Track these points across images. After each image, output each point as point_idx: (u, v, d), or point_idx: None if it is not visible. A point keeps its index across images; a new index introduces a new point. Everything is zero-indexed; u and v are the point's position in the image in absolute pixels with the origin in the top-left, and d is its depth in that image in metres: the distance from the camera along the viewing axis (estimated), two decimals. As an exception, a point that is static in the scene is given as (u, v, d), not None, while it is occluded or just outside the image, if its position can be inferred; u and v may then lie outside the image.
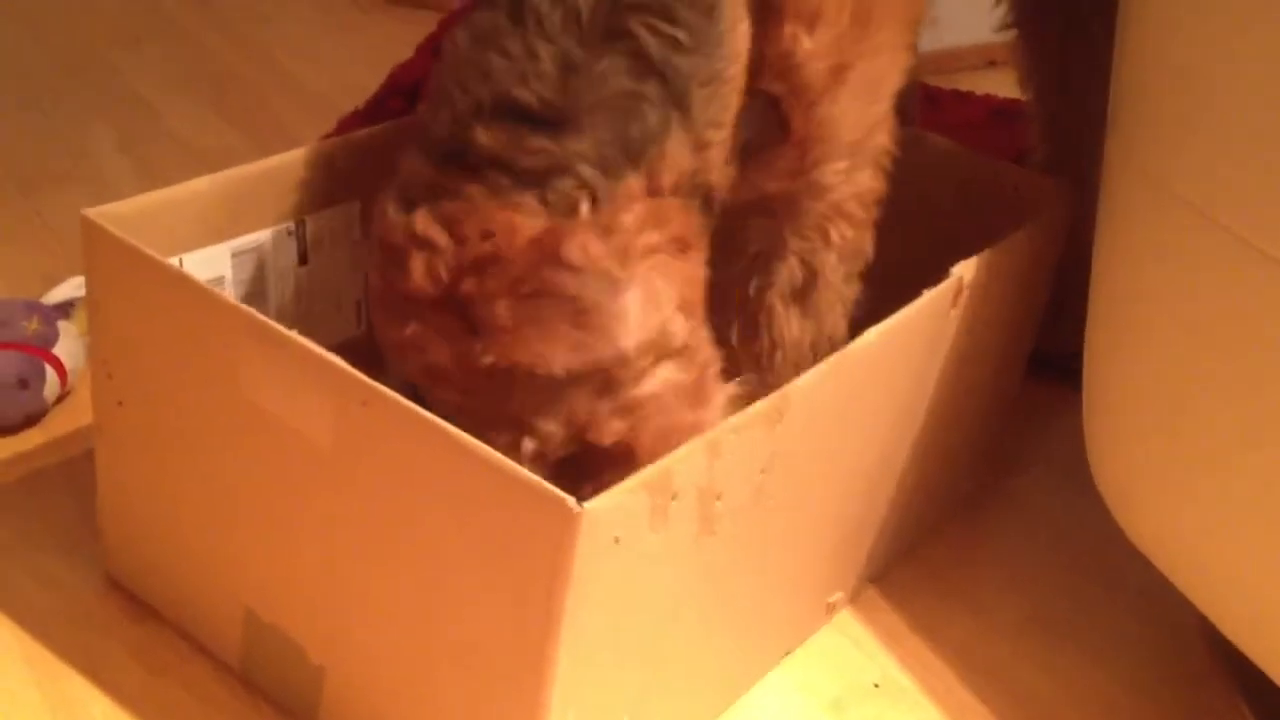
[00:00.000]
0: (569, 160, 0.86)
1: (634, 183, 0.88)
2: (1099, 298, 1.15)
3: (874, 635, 1.28)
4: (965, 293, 1.18)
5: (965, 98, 2.21)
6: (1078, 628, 1.32)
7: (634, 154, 0.88)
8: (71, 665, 1.13)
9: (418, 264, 0.88)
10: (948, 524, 1.42)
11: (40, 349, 1.39)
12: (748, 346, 1.14)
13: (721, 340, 1.06)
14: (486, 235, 0.86)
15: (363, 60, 2.26)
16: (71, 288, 1.50)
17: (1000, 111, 2.08)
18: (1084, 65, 1.48)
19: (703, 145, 0.92)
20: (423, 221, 0.88)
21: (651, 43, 0.86)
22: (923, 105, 2.18)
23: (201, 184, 1.16)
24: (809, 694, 1.20)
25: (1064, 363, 1.27)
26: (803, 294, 1.13)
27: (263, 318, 0.97)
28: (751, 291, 1.13)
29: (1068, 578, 1.38)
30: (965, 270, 1.16)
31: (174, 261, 1.13)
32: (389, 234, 0.89)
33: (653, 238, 0.88)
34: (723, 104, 0.93)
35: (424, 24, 2.30)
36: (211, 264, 1.18)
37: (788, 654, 1.23)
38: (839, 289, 1.15)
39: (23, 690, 1.10)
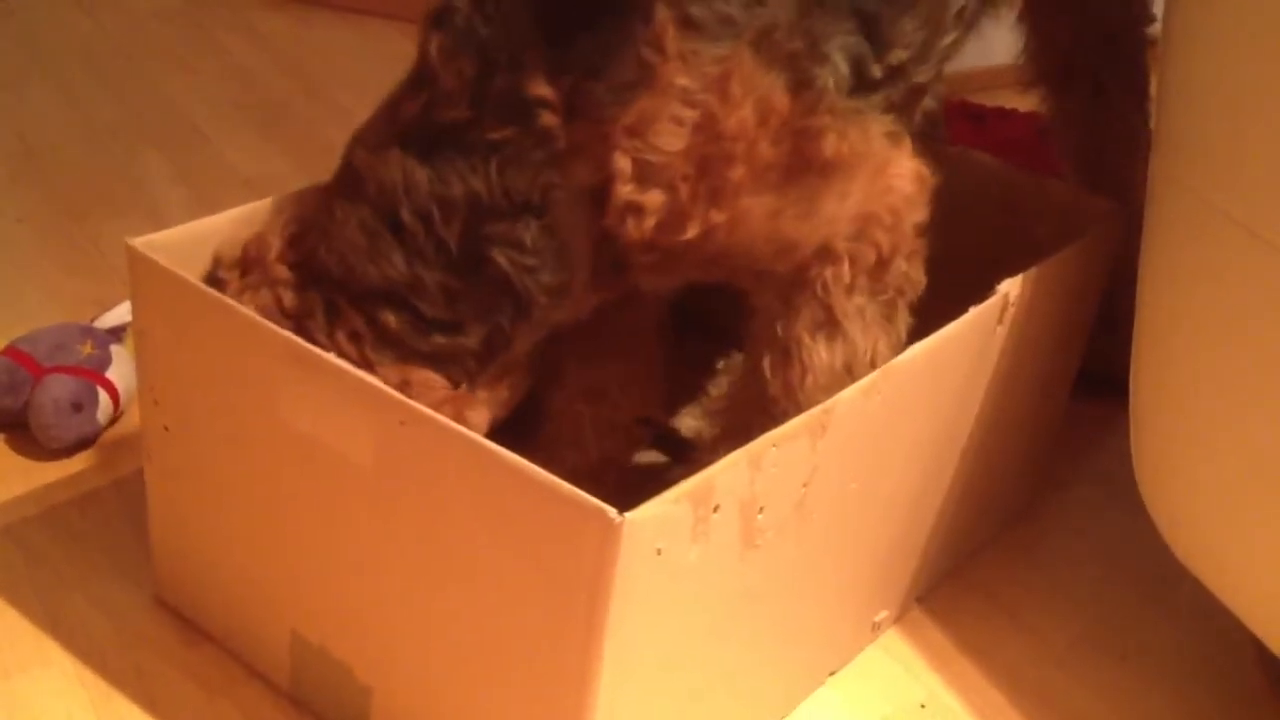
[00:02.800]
0: (462, 359, 1.05)
1: (497, 374, 1.08)
2: (1145, 316, 1.14)
3: (920, 655, 1.27)
4: (1011, 310, 1.17)
5: (1009, 115, 2.20)
6: (1128, 648, 1.31)
7: (494, 358, 1.06)
8: (125, 688, 1.14)
9: None
10: (995, 542, 1.41)
11: (94, 372, 1.41)
12: (780, 374, 1.13)
13: (754, 373, 1.14)
14: (404, 385, 1.03)
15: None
16: (124, 312, 1.51)
17: (1045, 129, 2.07)
18: (1105, 118, 1.56)
19: (549, 326, 1.09)
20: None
21: (510, 270, 1.02)
22: (967, 122, 2.19)
23: (246, 211, 1.17)
24: (855, 713, 1.19)
25: (1113, 382, 1.26)
26: (828, 325, 1.13)
27: (301, 341, 0.98)
28: (779, 330, 1.13)
29: (1118, 597, 1.37)
30: (1011, 287, 1.16)
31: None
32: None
33: (504, 393, 1.10)
34: (566, 299, 1.06)
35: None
36: (258, 288, 1.19)
37: (832, 674, 1.22)
38: (872, 318, 1.15)
39: (79, 713, 1.11)
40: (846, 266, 1.10)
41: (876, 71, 1.09)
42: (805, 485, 1.00)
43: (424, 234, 1.01)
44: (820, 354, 1.12)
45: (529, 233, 1.01)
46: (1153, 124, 1.15)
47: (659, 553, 0.88)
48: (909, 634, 1.29)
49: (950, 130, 1.31)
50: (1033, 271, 1.18)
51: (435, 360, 1.04)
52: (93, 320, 1.51)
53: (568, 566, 0.87)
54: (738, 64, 1.01)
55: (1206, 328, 1.06)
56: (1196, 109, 1.06)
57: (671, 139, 1.01)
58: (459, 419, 0.97)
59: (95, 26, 2.45)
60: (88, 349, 1.43)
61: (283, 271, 1.05)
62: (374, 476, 0.97)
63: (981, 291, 1.15)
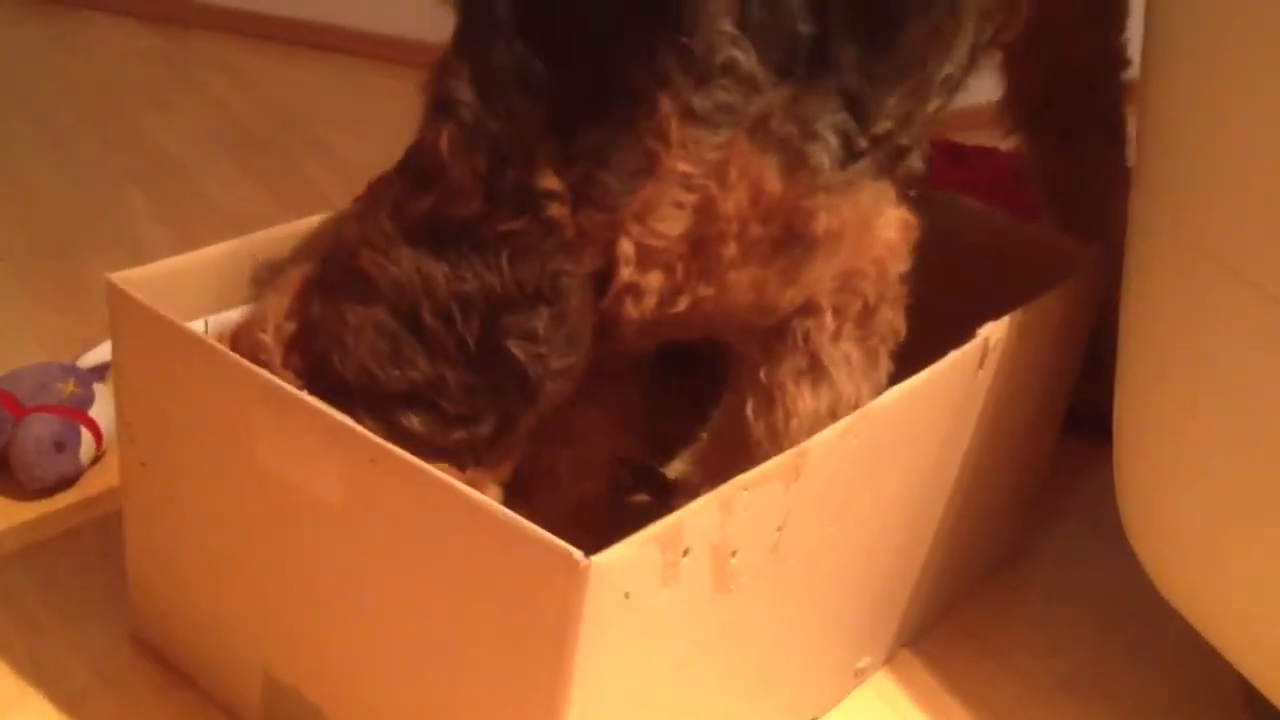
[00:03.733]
0: (476, 446, 1.05)
1: (502, 455, 1.08)
2: (1128, 354, 1.14)
3: (908, 695, 1.26)
4: (992, 354, 1.17)
5: (991, 154, 2.20)
6: (1115, 688, 1.30)
7: (502, 438, 1.06)
8: (105, 730, 1.13)
9: None
10: (981, 582, 1.40)
11: (76, 411, 1.41)
12: (763, 419, 1.14)
13: (736, 417, 1.14)
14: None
15: (393, 124, 2.29)
16: (107, 351, 1.49)
17: (1021, 171, 2.08)
18: (1080, 165, 1.59)
19: (548, 405, 1.09)
20: None
21: (524, 359, 1.02)
22: (949, 162, 2.19)
23: (227, 247, 1.18)
24: (840, 755, 1.18)
25: (1098, 420, 1.26)
26: (811, 372, 1.14)
27: (273, 378, 0.98)
28: (762, 376, 1.14)
29: (1105, 637, 1.36)
30: (992, 332, 1.15)
31: (199, 324, 1.14)
32: None
33: (507, 469, 1.10)
34: (571, 377, 1.07)
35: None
36: (237, 326, 1.19)
37: (813, 720, 1.22)
38: (856, 364, 1.16)
39: (55, 755, 1.11)
40: (829, 317, 1.12)
41: (863, 143, 1.10)
42: (780, 529, 0.99)
43: (445, 332, 1.01)
44: (805, 399, 1.12)
45: (541, 322, 1.02)
46: (1131, 164, 1.15)
47: (627, 596, 0.87)
48: (897, 675, 1.28)
49: (931, 170, 1.32)
50: (1014, 316, 1.18)
51: (452, 454, 1.04)
52: (75, 359, 1.51)
53: (535, 609, 0.86)
54: (736, 150, 1.03)
55: (1188, 367, 1.06)
56: (1177, 148, 1.06)
57: (673, 223, 1.03)
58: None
59: (77, 64, 2.46)
60: (70, 388, 1.43)
61: (293, 381, 1.05)
62: (344, 515, 0.96)
63: (963, 336, 1.15)
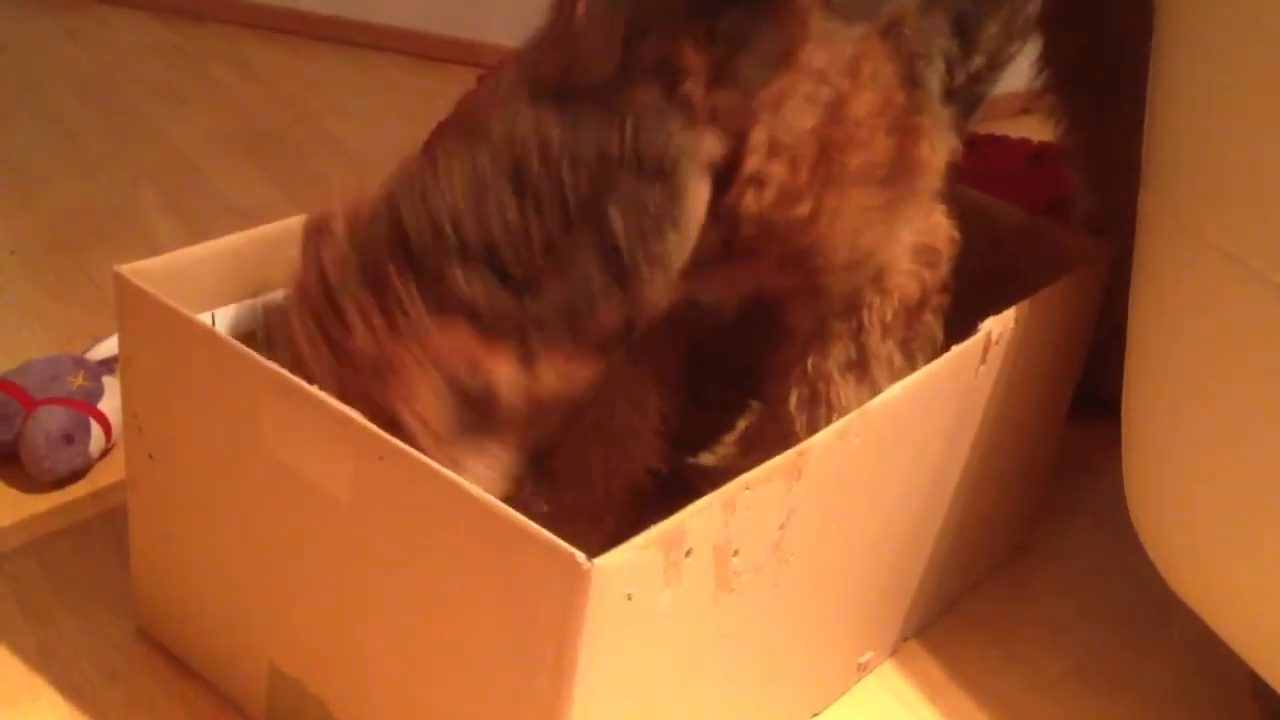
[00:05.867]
0: (524, 323, 1.00)
1: (567, 345, 1.01)
2: (1136, 346, 1.15)
3: (914, 686, 1.27)
4: (995, 349, 1.17)
5: (1001, 142, 2.21)
6: (1123, 680, 1.30)
7: (573, 325, 1.01)
8: (112, 720, 1.14)
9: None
10: (988, 575, 1.41)
11: (86, 404, 1.41)
12: (805, 411, 1.15)
13: (779, 409, 1.15)
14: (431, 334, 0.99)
15: (402, 118, 2.30)
16: (116, 344, 1.51)
17: (1037, 156, 2.09)
18: (1119, 125, 1.50)
19: (638, 303, 1.04)
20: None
21: (622, 231, 0.99)
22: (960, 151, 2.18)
23: (235, 240, 1.18)
24: (845, 747, 1.19)
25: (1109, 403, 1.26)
26: (856, 366, 1.15)
27: (284, 372, 0.98)
28: (809, 366, 1.15)
29: (1112, 628, 1.37)
30: (994, 325, 1.15)
31: (206, 317, 1.14)
32: None
33: (557, 372, 1.03)
34: (667, 274, 1.03)
35: (462, 81, 2.33)
36: (244, 319, 1.20)
37: (815, 715, 1.22)
38: (897, 367, 1.16)
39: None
40: (889, 301, 1.13)
41: (960, 77, 1.12)
42: (782, 528, 0.99)
43: (548, 185, 0.99)
44: (848, 394, 1.13)
45: (653, 196, 1.00)
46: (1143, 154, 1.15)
47: (629, 598, 0.87)
48: (902, 666, 1.29)
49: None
50: (1017, 309, 1.18)
51: (497, 325, 1.00)
52: (85, 352, 1.51)
53: (538, 610, 0.86)
54: (870, 48, 1.04)
55: (1196, 358, 1.06)
56: (1184, 141, 1.06)
57: (804, 117, 1.03)
58: (474, 364, 0.97)
59: (87, 59, 2.46)
60: (80, 381, 1.43)
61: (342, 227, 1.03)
62: (351, 511, 0.97)
63: (966, 331, 1.15)
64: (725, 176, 1.04)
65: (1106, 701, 1.27)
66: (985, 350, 1.16)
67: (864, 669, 1.25)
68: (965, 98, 1.16)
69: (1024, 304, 1.19)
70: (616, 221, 0.99)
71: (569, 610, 0.84)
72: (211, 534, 1.11)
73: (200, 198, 2.02)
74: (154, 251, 1.14)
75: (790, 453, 0.97)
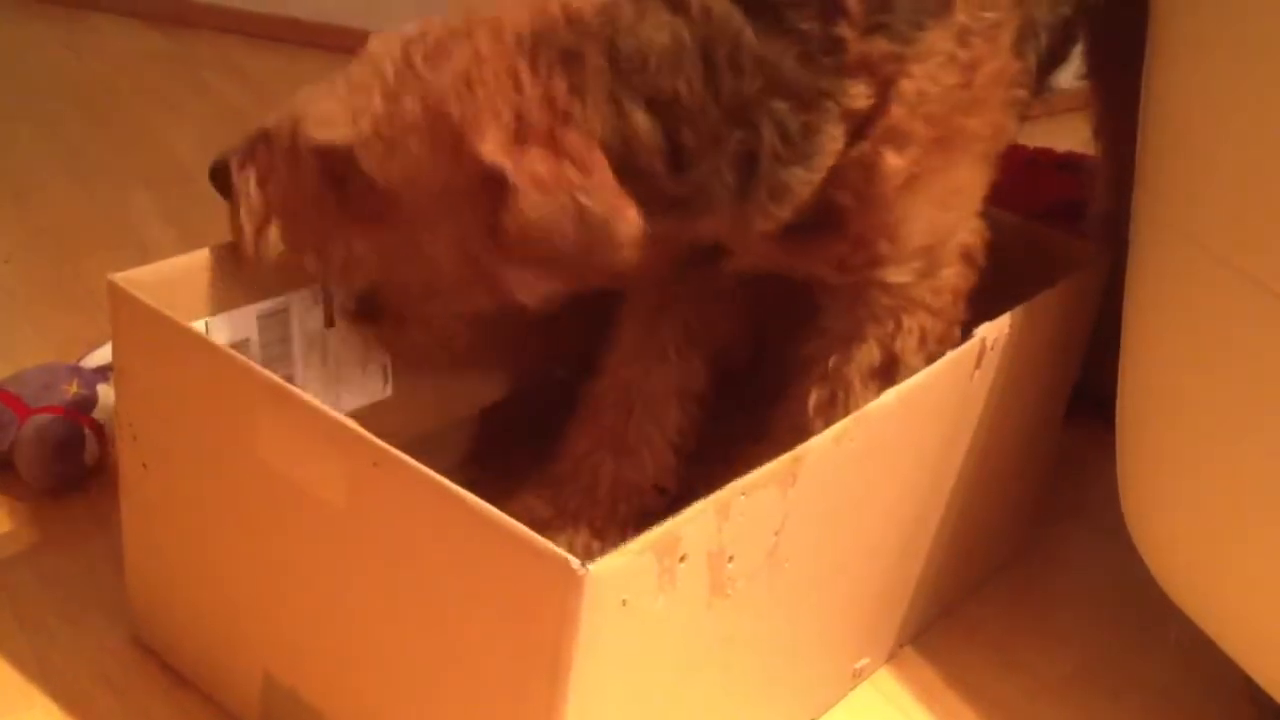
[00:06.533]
0: (657, 192, 1.02)
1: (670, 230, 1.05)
2: (1131, 350, 1.15)
3: (910, 692, 1.27)
4: (990, 354, 1.17)
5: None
6: (1120, 685, 1.30)
7: (683, 218, 1.05)
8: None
9: None
10: (985, 581, 1.41)
11: (80, 413, 1.41)
12: (823, 414, 1.15)
13: (798, 409, 1.15)
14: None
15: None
16: (111, 352, 1.51)
17: (1033, 161, 2.08)
18: None
19: (741, 228, 1.07)
20: None
21: (764, 146, 1.02)
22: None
23: (230, 248, 1.18)
24: (840, 753, 1.19)
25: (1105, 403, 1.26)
26: (881, 373, 1.15)
27: (278, 380, 0.98)
28: (831, 366, 1.15)
29: (1109, 633, 1.37)
30: (988, 332, 1.15)
31: (200, 325, 1.14)
32: None
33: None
34: (777, 210, 1.06)
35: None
36: (238, 327, 1.20)
37: (811, 720, 1.22)
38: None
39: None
40: (940, 299, 1.15)
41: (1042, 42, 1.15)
42: (777, 533, 0.99)
43: (728, 72, 1.01)
44: (867, 400, 1.12)
45: (795, 124, 1.02)
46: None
47: (624, 604, 0.87)
48: (899, 671, 1.28)
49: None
50: (1011, 315, 1.18)
51: (638, 182, 1.02)
52: (80, 360, 1.51)
53: (532, 616, 0.87)
54: (1009, 16, 1.07)
55: (1191, 362, 1.06)
56: (1178, 145, 1.07)
57: (947, 74, 1.05)
58: (604, 188, 0.99)
59: (83, 66, 2.46)
60: (74, 389, 1.43)
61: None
62: (346, 518, 0.97)
63: (960, 336, 1.15)
64: (861, 127, 1.05)
65: (1104, 706, 1.27)
66: (980, 356, 1.16)
67: (860, 675, 1.25)
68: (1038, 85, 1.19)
69: (1019, 310, 1.19)
70: (766, 136, 1.02)
71: (564, 616, 0.84)
72: (206, 542, 1.11)
73: (196, 205, 2.00)
74: (149, 259, 1.14)
75: (785, 458, 0.97)
